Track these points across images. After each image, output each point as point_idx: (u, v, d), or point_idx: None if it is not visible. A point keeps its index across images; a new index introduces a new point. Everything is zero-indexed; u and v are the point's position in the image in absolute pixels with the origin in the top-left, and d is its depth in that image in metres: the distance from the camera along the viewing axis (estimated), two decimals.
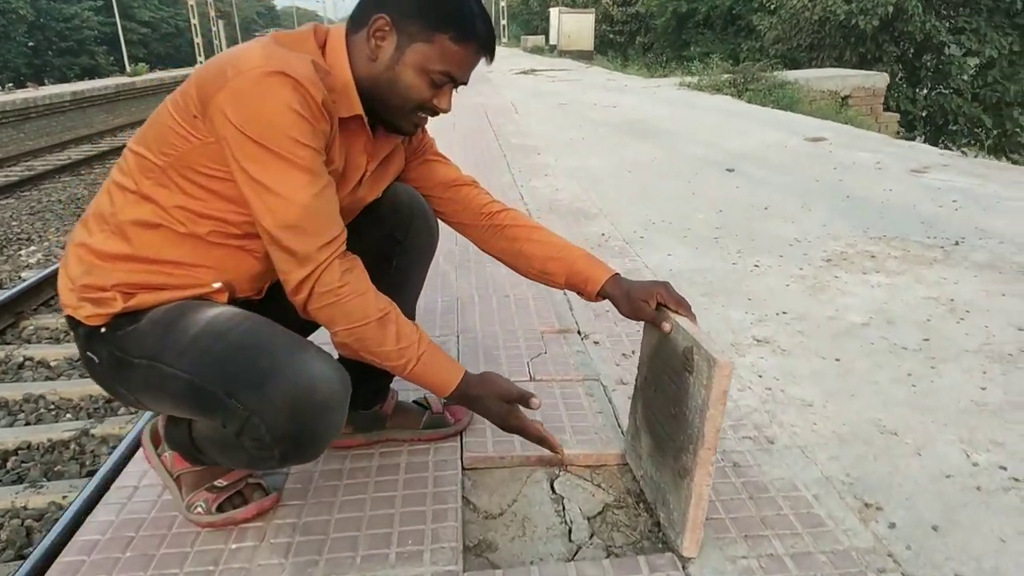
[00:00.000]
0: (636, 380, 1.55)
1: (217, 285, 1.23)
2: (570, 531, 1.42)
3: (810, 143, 5.33)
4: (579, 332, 2.30)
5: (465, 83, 1.25)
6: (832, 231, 3.24)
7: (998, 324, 2.25)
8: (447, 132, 6.29)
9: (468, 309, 2.50)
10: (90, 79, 28.83)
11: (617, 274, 1.43)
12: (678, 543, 1.30)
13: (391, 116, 1.26)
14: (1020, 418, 1.75)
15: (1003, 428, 1.71)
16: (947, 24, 14.12)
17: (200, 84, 1.12)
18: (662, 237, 3.29)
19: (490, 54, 1.25)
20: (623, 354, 2.13)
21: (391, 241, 1.49)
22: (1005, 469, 1.56)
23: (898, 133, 10.43)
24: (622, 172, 4.73)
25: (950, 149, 10.71)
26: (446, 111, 1.26)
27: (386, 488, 1.49)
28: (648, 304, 1.37)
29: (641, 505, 1.49)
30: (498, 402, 1.32)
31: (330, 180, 1.17)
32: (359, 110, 1.23)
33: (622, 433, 1.69)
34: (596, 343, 2.21)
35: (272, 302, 1.33)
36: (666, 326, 1.34)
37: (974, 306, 2.39)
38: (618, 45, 27.69)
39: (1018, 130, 13.92)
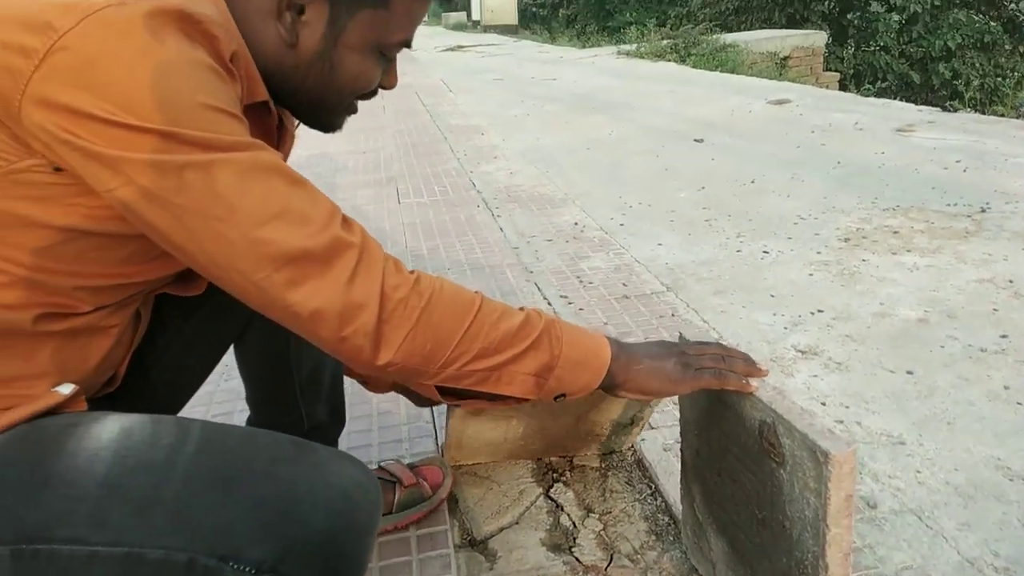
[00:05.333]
0: (681, 449, 1.09)
1: (67, 390, 0.71)
2: None
3: (775, 106, 4.95)
4: None
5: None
6: (837, 204, 2.84)
7: None
8: (377, 115, 5.71)
9: None
10: None
11: None
12: None
13: (316, 112, 0.82)
14: None
15: None
16: None
17: None
18: (645, 223, 2.84)
19: None
20: None
21: None
22: None
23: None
24: (580, 150, 4.26)
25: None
26: (393, 87, 0.84)
27: None
28: None
29: None
30: (663, 349, 0.86)
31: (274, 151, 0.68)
32: (264, 94, 0.75)
33: (670, 520, 1.24)
34: None
35: (137, 385, 0.88)
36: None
37: None
38: (541, 18, 27.14)
39: (945, 84, 13.99)
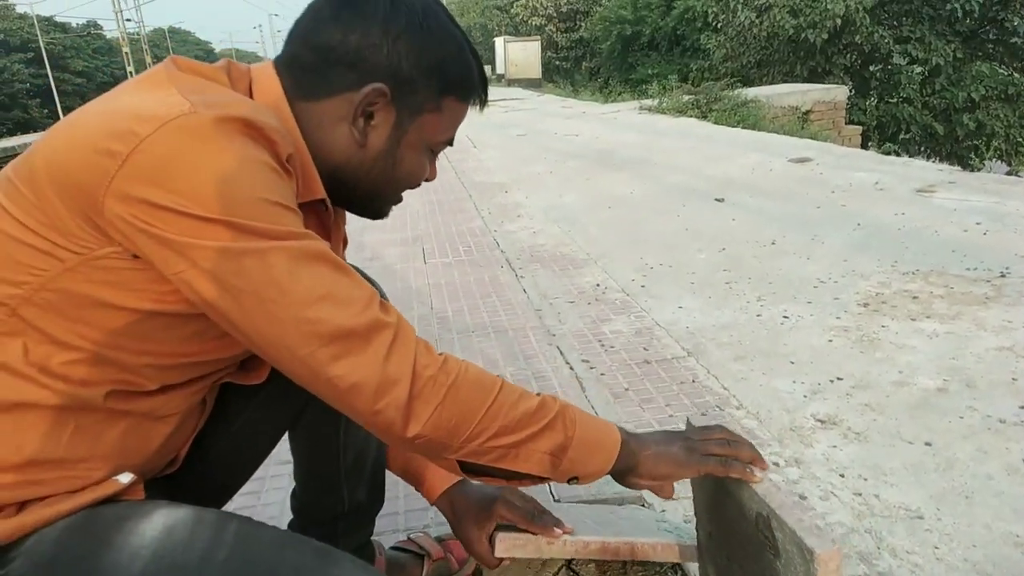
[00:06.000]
0: (696, 531, 1.12)
1: (126, 479, 0.78)
2: None
3: (796, 164, 5.03)
4: None
5: None
6: (857, 267, 2.88)
7: None
8: None
9: None
10: (23, 134, 27.84)
11: (458, 482, 1.08)
12: None
13: (372, 202, 0.92)
14: None
15: None
16: (892, 34, 14.23)
17: (67, 165, 0.68)
18: (665, 285, 2.89)
19: (485, 100, 0.94)
20: None
21: None
22: None
23: (868, 146, 10.33)
24: (602, 209, 4.34)
25: (898, 155, 10.55)
26: (434, 179, 0.96)
27: None
28: (480, 533, 1.03)
29: None
30: (669, 436, 0.94)
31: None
32: (322, 192, 0.85)
33: None
34: None
35: (196, 467, 0.95)
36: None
37: None
38: (564, 71, 27.70)
39: (969, 135, 13.99)
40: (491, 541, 1.06)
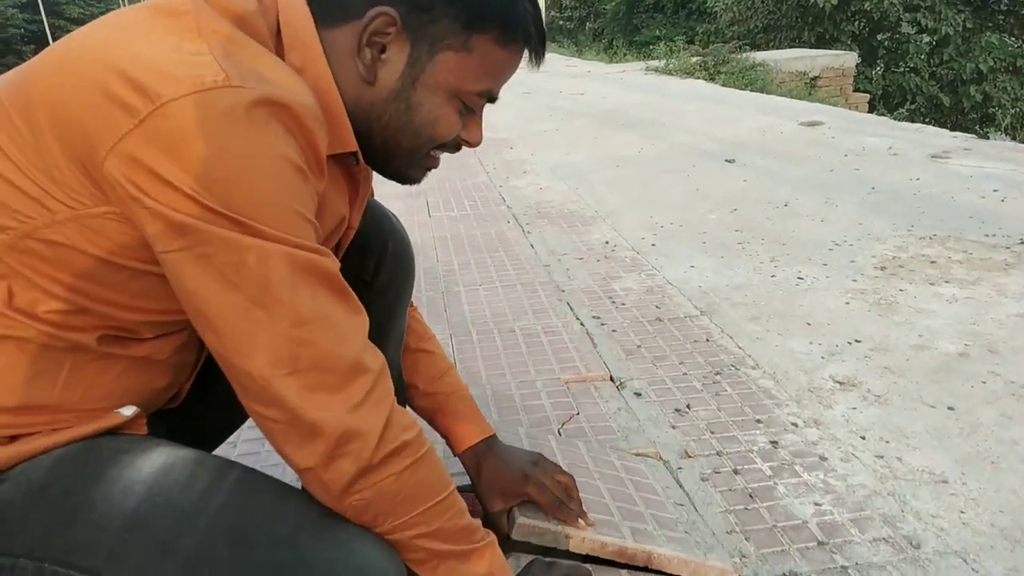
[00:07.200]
0: None
1: (129, 412, 0.72)
2: None
3: (807, 128, 4.92)
4: (612, 379, 1.83)
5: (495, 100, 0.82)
6: (872, 231, 2.82)
7: None
8: None
9: (466, 351, 2.00)
10: None
11: (488, 439, 1.08)
12: None
13: (395, 160, 0.81)
14: None
15: None
16: (902, 2, 13.96)
17: (71, 102, 0.60)
18: (676, 244, 2.83)
19: (541, 53, 0.80)
20: (676, 410, 1.66)
21: (356, 285, 0.84)
22: None
23: (879, 114, 10.18)
24: (610, 167, 4.25)
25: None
26: (476, 145, 0.83)
27: None
28: (502, 506, 1.04)
29: None
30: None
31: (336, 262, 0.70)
32: (354, 145, 0.76)
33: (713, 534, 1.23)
34: (638, 394, 1.74)
35: (199, 401, 0.90)
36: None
37: None
38: (568, 31, 27.23)
39: (975, 108, 13.81)
40: (510, 515, 1.03)
